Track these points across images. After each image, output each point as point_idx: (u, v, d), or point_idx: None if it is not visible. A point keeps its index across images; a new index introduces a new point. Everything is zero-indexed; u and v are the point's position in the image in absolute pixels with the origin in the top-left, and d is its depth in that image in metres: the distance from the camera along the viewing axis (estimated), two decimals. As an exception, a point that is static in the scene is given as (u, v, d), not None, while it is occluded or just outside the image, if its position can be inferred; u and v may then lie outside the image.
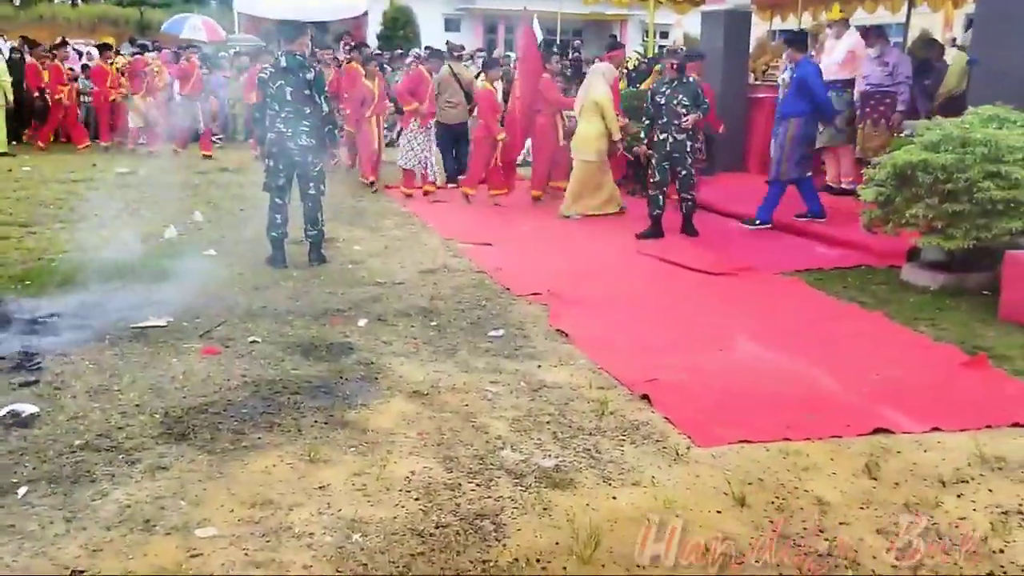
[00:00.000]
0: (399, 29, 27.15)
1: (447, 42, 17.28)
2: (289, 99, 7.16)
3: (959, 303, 6.51)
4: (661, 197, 8.85)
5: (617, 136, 9.76)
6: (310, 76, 7.20)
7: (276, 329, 5.70)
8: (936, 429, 4.34)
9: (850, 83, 10.23)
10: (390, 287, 6.88)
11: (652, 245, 8.48)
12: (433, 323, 5.98)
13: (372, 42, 26.89)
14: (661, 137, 8.82)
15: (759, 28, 16.26)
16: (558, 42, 21.26)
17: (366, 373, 4.97)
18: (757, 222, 9.17)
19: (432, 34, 27.36)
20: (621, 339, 5.72)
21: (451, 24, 31.20)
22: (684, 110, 8.66)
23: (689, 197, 8.91)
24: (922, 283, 6.93)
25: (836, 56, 10.29)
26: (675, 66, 8.96)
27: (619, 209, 10.07)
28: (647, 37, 17.29)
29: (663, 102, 8.77)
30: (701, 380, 4.98)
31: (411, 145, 11.23)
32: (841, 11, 11.49)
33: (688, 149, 8.79)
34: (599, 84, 9.83)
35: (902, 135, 8.57)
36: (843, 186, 10.26)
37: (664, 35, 25.61)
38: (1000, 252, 6.33)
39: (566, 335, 5.77)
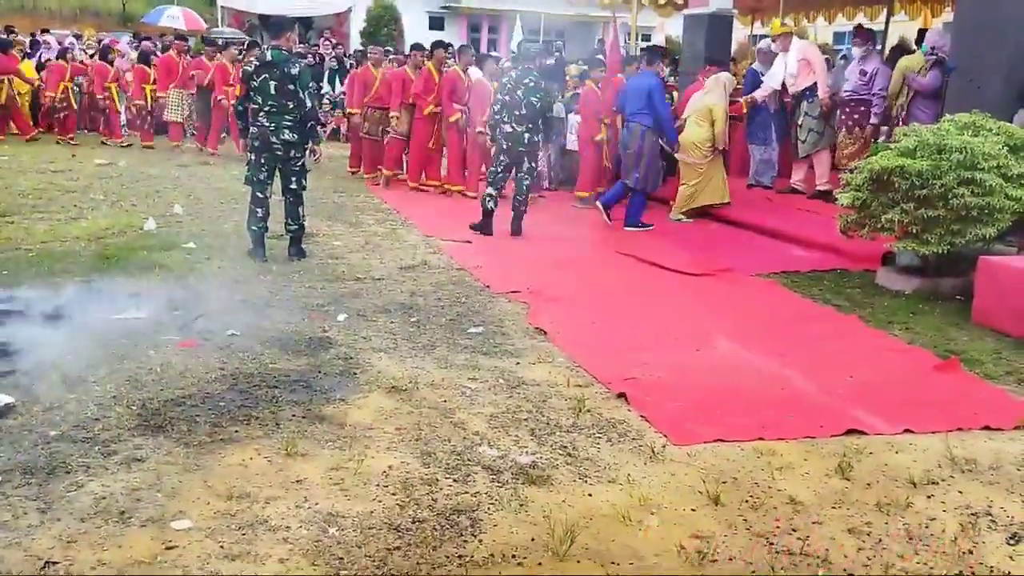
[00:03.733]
0: (383, 26, 27.02)
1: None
2: (273, 93, 7.14)
3: (933, 307, 6.60)
4: (497, 193, 8.84)
5: (722, 145, 9.71)
6: (295, 71, 7.19)
7: (255, 323, 5.69)
8: (908, 431, 4.40)
9: (813, 88, 10.34)
10: (370, 283, 6.88)
11: (631, 245, 8.51)
12: (412, 319, 5.98)
13: (355, 39, 26.75)
14: (518, 130, 8.74)
15: (740, 32, 16.39)
16: (540, 42, 21.35)
17: (344, 368, 4.97)
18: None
19: (416, 32, 27.25)
20: (599, 338, 5.76)
21: (435, 22, 31.09)
22: (536, 104, 8.70)
23: (521, 198, 8.86)
24: (897, 287, 7.01)
25: (791, 68, 10.44)
26: (527, 59, 9.15)
27: (726, 201, 9.96)
28: (629, 39, 17.34)
29: (521, 95, 8.73)
30: (678, 379, 5.02)
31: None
32: (783, 24, 11.59)
33: (538, 151, 8.88)
34: (717, 91, 9.77)
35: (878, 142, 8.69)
36: (818, 188, 10.39)
37: (647, 38, 25.67)
38: (974, 258, 6.42)
39: (544, 333, 5.80)
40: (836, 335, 5.98)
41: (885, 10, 14.87)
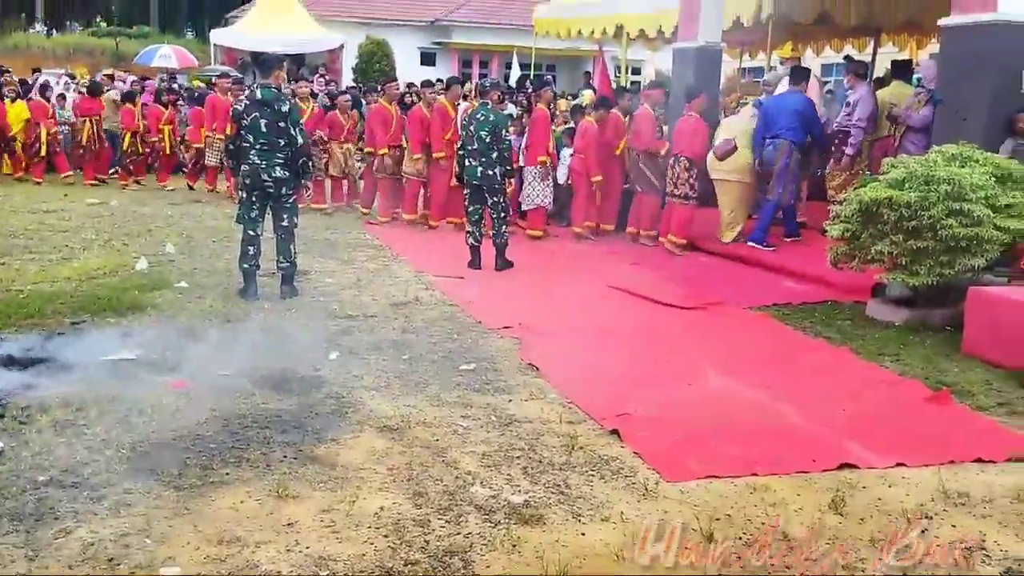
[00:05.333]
0: (376, 62, 27.23)
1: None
2: (264, 131, 7.19)
3: (923, 338, 6.61)
4: (474, 227, 8.98)
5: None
6: (285, 108, 7.24)
7: (247, 362, 5.66)
8: (901, 464, 4.40)
9: None
10: (361, 320, 6.88)
11: (622, 279, 8.53)
12: (404, 357, 5.98)
13: (348, 75, 26.92)
14: (471, 164, 8.91)
15: (728, 66, 16.52)
16: (532, 77, 21.53)
17: (336, 407, 4.96)
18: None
19: (408, 68, 27.45)
20: (591, 373, 5.74)
21: (427, 58, 31.29)
22: (485, 138, 8.77)
23: (496, 232, 8.94)
24: (887, 318, 7.03)
25: None
26: (481, 94, 9.35)
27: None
28: (619, 73, 17.51)
29: (473, 129, 8.89)
30: (670, 415, 5.01)
31: (546, 183, 10.93)
32: (794, 50, 11.67)
33: (499, 184, 8.88)
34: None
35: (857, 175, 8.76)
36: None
37: (636, 71, 25.93)
38: (963, 288, 6.45)
39: (537, 369, 5.79)
40: (828, 367, 5.98)
41: (872, 41, 15.03)
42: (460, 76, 26.77)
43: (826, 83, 17.78)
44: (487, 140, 8.83)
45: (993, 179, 6.56)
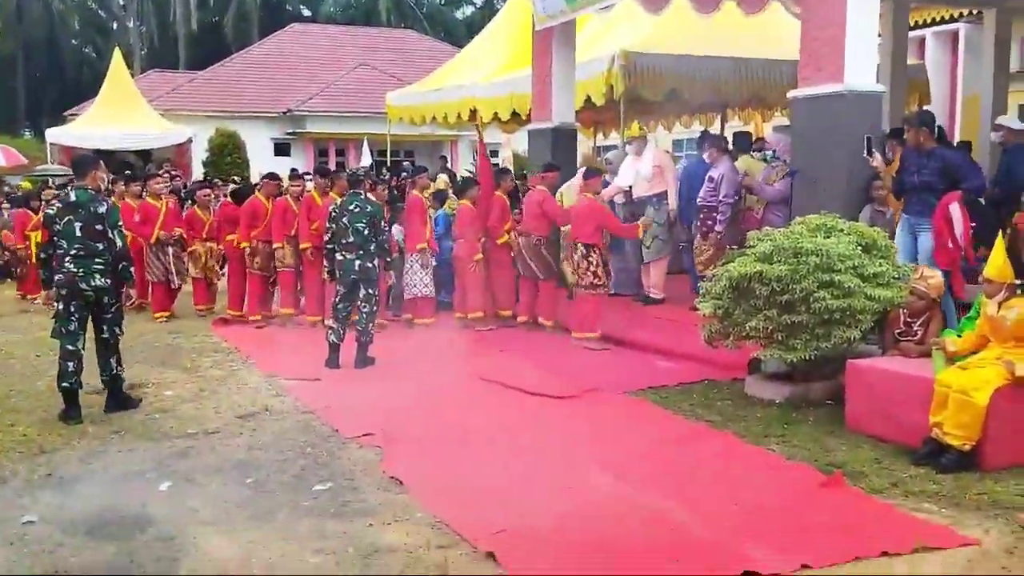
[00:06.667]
0: (227, 155, 26.34)
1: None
2: (79, 236, 6.45)
3: (806, 415, 6.35)
4: (339, 324, 8.37)
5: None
6: (102, 210, 6.53)
7: (59, 503, 4.86)
8: (805, 566, 3.99)
9: (664, 195, 10.33)
10: (201, 438, 6.12)
11: (493, 369, 8.03)
12: (249, 479, 5.27)
13: (198, 168, 25.92)
14: (347, 257, 8.38)
15: (583, 144, 16.60)
16: (388, 163, 21.21)
17: (163, 552, 4.23)
18: None
19: (261, 158, 26.67)
20: (462, 483, 5.18)
21: (281, 148, 30.54)
22: (363, 230, 8.31)
23: (361, 328, 8.39)
24: (767, 396, 6.76)
25: (644, 172, 10.42)
26: (353, 183, 9.00)
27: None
28: (476, 156, 17.34)
29: (347, 222, 8.39)
30: (550, 527, 4.48)
31: (427, 270, 10.31)
32: (641, 128, 11.75)
33: (374, 277, 8.43)
34: None
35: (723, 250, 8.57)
36: (651, 295, 10.30)
37: (494, 153, 25.91)
38: (840, 359, 6.25)
39: (400, 483, 5.18)
40: (713, 456, 5.60)
41: (719, 117, 15.38)
42: (317, 164, 26.27)
43: (678, 157, 18.18)
44: (364, 232, 8.30)
45: (859, 248, 6.43)
